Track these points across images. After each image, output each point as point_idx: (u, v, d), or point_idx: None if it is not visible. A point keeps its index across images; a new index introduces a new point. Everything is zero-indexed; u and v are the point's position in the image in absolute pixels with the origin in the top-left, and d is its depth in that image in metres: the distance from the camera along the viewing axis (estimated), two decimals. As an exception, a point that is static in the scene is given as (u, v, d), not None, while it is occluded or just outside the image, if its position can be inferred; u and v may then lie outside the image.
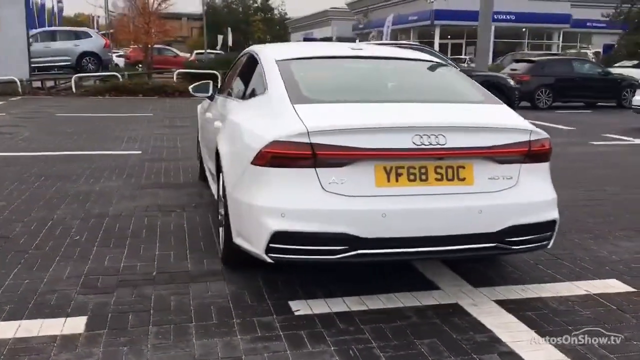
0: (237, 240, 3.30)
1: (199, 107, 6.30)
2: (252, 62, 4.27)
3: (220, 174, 3.66)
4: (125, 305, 3.10)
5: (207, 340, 2.72)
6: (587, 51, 32.97)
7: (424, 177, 2.99)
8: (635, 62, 22.67)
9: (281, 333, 2.81)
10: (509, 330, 2.87)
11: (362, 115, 3.12)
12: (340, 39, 39.29)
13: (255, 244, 3.07)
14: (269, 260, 3.01)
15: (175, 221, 4.74)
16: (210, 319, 2.95)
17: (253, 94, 3.89)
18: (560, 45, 41.13)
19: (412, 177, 2.98)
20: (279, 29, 60.97)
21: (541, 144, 3.18)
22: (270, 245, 2.97)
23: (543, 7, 38.49)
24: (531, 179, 3.15)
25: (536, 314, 3.06)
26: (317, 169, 2.92)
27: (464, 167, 3.03)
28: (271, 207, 2.96)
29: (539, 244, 3.23)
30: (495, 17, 37.37)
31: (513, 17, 38.25)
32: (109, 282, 3.41)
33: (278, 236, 2.93)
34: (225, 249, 3.58)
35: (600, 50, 35.78)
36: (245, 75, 4.47)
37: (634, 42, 22.73)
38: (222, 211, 3.68)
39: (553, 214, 3.24)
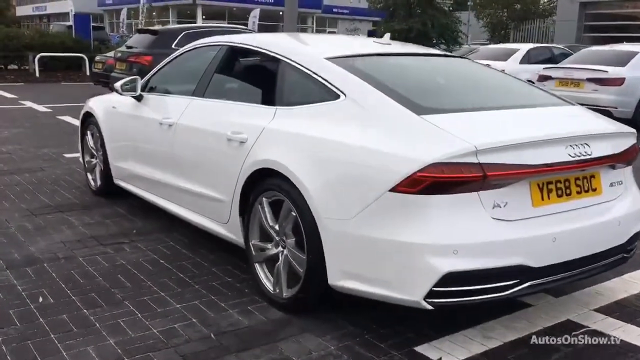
0: (348, 283, 2.67)
1: (99, 106, 5.00)
2: (264, 59, 3.51)
3: (286, 201, 2.92)
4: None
5: None
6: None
7: (568, 191, 2.75)
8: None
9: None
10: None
11: (513, 127, 2.73)
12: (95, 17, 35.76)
13: (405, 289, 2.50)
14: (428, 307, 2.47)
15: (136, 260, 3.72)
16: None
17: (299, 100, 3.18)
18: (315, 29, 43.53)
19: (559, 192, 2.71)
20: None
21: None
22: (434, 289, 2.44)
23: (298, -9, 40.03)
24: (631, 183, 3.12)
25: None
26: (480, 192, 2.48)
27: (594, 177, 2.86)
28: (437, 243, 2.42)
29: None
30: (256, 0, 38.15)
31: (272, 1, 39.18)
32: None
33: (448, 278, 2.42)
34: (310, 287, 2.89)
35: (366, 35, 38.78)
36: (248, 74, 3.66)
37: (392, 29, 25.10)
38: (296, 254, 2.95)
39: None
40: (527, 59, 13.20)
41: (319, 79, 3.07)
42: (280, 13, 42.31)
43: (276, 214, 3.06)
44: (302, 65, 3.19)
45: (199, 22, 29.42)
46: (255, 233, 3.23)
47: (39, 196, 5.11)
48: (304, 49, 3.42)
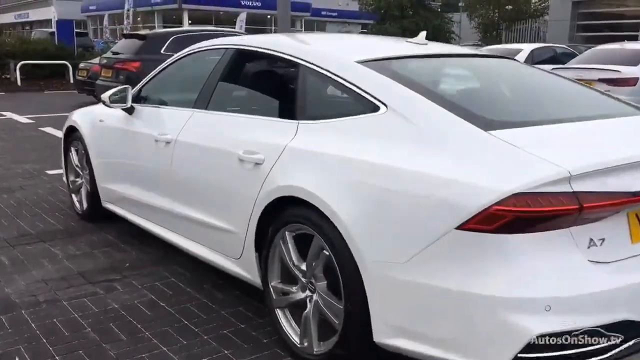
0: (400, 342, 2.15)
1: (84, 120, 4.42)
2: (280, 64, 2.99)
3: (318, 237, 2.38)
4: None
5: None
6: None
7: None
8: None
9: None
10: None
11: (605, 144, 2.21)
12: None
13: (477, 354, 1.97)
14: (508, 378, 1.94)
15: (130, 303, 3.16)
16: None
17: (326, 113, 2.66)
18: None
19: (651, 223, 2.19)
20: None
21: None
22: (519, 356, 1.91)
23: (286, -6, 39.51)
24: None
25: None
26: (572, 228, 1.95)
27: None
28: (523, 297, 1.89)
29: None
30: (243, 4, 37.64)
31: (259, 4, 38.66)
32: None
33: (538, 343, 1.89)
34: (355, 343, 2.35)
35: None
36: (261, 83, 3.12)
37: (385, 31, 24.64)
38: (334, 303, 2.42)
39: None
40: (531, 58, 12.78)
41: (352, 87, 2.53)
42: (268, 16, 41.96)
43: (303, 251, 2.53)
44: (329, 71, 2.66)
45: (186, 27, 28.78)
46: (275, 273, 2.69)
47: (18, 221, 4.52)
48: (330, 52, 2.88)
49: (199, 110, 3.30)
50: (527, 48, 13.26)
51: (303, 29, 43.78)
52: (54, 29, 22.64)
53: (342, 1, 37.89)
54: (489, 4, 30.68)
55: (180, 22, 37.37)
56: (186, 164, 3.24)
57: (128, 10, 30.00)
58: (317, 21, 45.39)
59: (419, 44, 3.06)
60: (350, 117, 2.48)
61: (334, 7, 43.81)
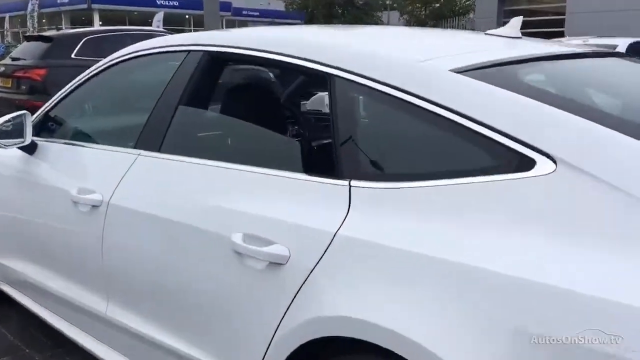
0: None
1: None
2: (300, 79, 1.78)
3: None
4: None
5: None
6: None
7: None
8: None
9: None
10: None
11: None
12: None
13: None
14: None
15: None
16: None
17: (413, 168, 1.43)
18: (224, 34, 41.23)
19: None
20: None
21: None
22: None
23: (203, -6, 37.80)
24: None
25: None
26: None
27: None
28: None
29: None
30: (158, 3, 35.68)
31: (177, 4, 36.75)
32: None
33: None
34: None
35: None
36: (261, 110, 1.86)
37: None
38: None
39: None
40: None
41: (460, 118, 1.33)
42: (187, 16, 39.98)
43: None
44: (404, 90, 1.44)
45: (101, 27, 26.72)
46: None
47: None
48: (394, 55, 1.64)
49: (148, 153, 2.00)
50: (623, 43, 10.92)
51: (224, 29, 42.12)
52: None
53: (264, 0, 36.53)
54: (417, 1, 30.37)
55: (90, 24, 34.85)
56: (128, 247, 1.94)
57: (32, 11, 27.46)
58: (239, 21, 43.91)
59: (511, 37, 1.89)
60: (469, 180, 1.28)
61: (255, 6, 42.34)
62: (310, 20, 27.20)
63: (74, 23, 35.76)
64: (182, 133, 2.02)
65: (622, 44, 9.28)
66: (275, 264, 1.46)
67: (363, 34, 2.35)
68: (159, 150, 1.97)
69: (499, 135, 1.27)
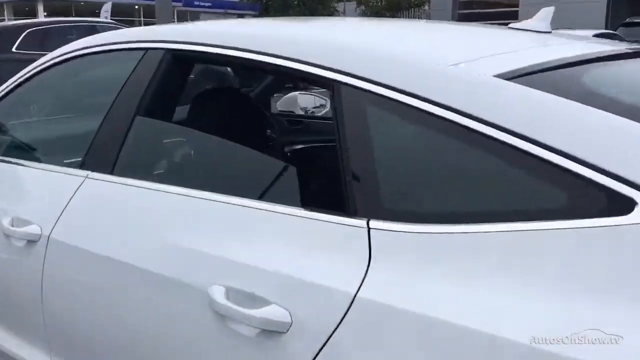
0: None
1: None
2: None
3: None
4: None
5: None
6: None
7: None
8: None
9: None
10: None
11: None
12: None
13: None
14: None
15: None
16: None
17: (456, 206, 1.08)
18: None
19: None
20: None
21: None
22: None
23: (155, -16, 36.71)
24: None
25: None
26: None
27: None
28: None
29: None
30: (107, -7, 34.52)
31: (126, -6, 35.59)
32: None
33: None
34: None
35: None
36: (238, 121, 1.50)
37: (268, 22, 22.91)
38: None
39: None
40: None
41: (529, 146, 1.00)
42: (136, 7, 38.75)
43: None
44: (438, 104, 1.10)
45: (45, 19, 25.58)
46: None
47: None
48: (418, 57, 1.27)
49: (97, 175, 1.61)
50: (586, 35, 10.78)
51: (175, 21, 41.06)
52: None
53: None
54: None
55: (34, 15, 33.40)
56: (77, 294, 1.55)
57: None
58: (190, 12, 42.88)
59: (541, 33, 1.58)
60: (538, 225, 0.96)
61: (204, -4, 41.45)
62: (265, 11, 26.57)
63: (17, 14, 34.22)
64: (140, 150, 1.64)
65: (588, 35, 9.23)
66: (271, 332, 1.11)
67: (365, 30, 1.97)
68: (111, 172, 1.59)
69: (582, 167, 0.95)
